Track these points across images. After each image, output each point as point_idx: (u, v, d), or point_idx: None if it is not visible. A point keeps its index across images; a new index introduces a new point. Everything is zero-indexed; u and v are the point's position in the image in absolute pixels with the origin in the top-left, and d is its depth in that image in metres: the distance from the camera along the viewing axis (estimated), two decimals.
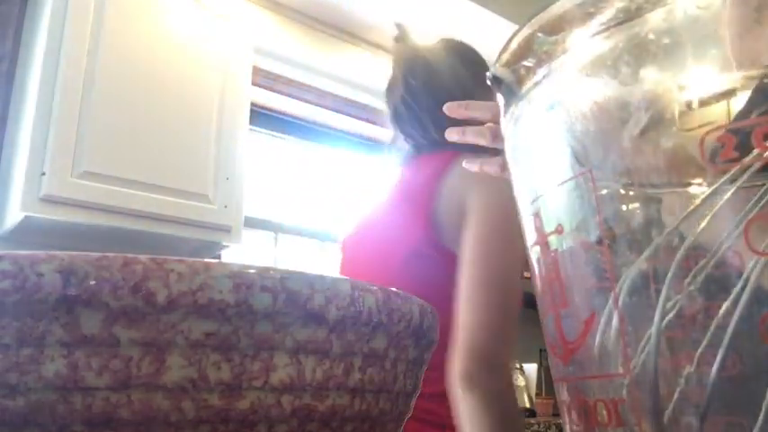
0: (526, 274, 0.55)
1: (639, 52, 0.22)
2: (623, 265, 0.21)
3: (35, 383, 0.20)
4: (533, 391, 2.50)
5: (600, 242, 0.22)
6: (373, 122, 2.73)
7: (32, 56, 1.72)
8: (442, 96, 0.82)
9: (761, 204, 0.19)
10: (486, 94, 0.47)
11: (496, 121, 0.50)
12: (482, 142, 0.59)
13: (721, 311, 0.19)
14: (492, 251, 0.87)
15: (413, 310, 0.27)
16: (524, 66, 0.26)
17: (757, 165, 0.19)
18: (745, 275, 0.19)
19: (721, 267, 0.19)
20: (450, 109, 0.62)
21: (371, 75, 2.60)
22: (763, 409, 0.18)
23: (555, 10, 0.24)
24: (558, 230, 0.24)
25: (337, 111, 2.64)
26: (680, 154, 0.21)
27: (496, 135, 0.56)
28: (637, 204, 0.22)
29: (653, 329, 0.20)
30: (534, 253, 0.26)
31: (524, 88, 0.26)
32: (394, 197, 1.04)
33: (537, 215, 0.25)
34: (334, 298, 0.24)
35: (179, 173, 1.77)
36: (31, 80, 1.68)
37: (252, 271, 0.22)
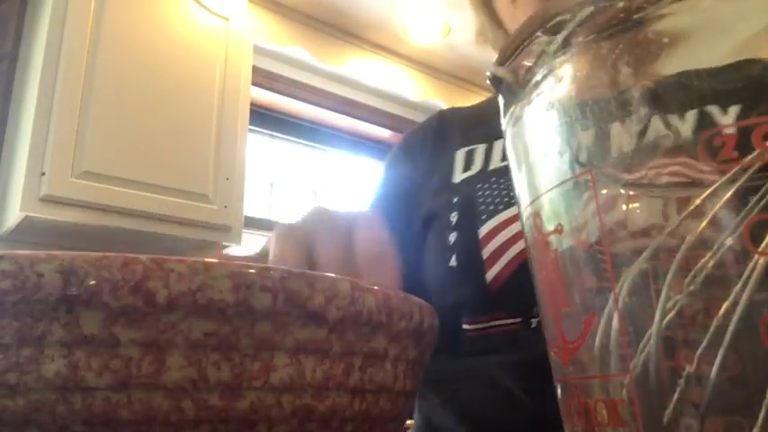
0: None
1: (639, 52, 0.22)
2: (623, 265, 0.21)
3: (35, 383, 0.20)
4: None
5: (600, 242, 0.22)
6: (373, 122, 2.74)
7: (32, 56, 1.72)
8: None
9: (761, 204, 0.19)
10: None
11: None
12: None
13: (721, 311, 0.19)
14: None
15: (413, 310, 0.27)
16: (524, 66, 0.26)
17: (757, 165, 0.19)
18: (745, 275, 0.19)
19: (721, 267, 0.19)
20: None
21: (372, 75, 2.60)
22: (763, 409, 0.18)
23: (555, 10, 0.24)
24: (558, 230, 0.24)
25: (337, 111, 2.64)
26: (680, 154, 0.21)
27: None
28: (637, 204, 0.22)
29: (653, 329, 0.20)
30: (534, 253, 0.26)
31: (524, 88, 0.26)
32: None
33: (537, 215, 0.25)
34: (334, 298, 0.24)
35: (179, 173, 1.77)
36: (31, 80, 1.68)
37: (252, 271, 0.22)
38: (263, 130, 2.53)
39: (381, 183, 0.74)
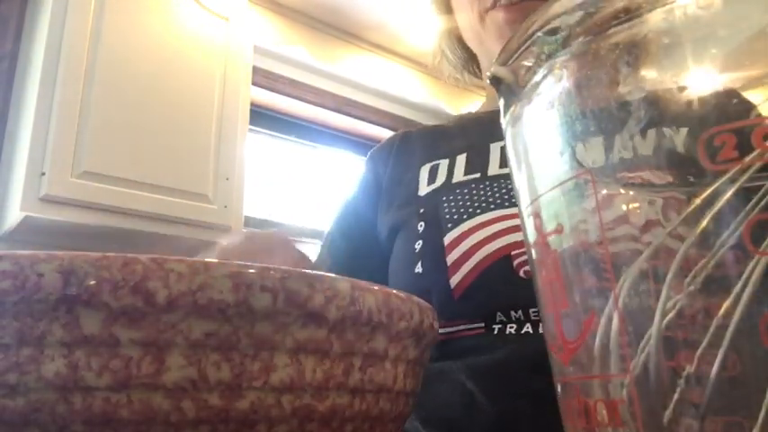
0: None
1: (639, 52, 0.22)
2: (623, 265, 0.21)
3: (35, 383, 0.20)
4: None
5: (600, 242, 0.22)
6: (373, 122, 2.74)
7: (32, 55, 1.72)
8: None
9: (761, 204, 0.19)
10: None
11: None
12: None
13: (721, 311, 0.19)
14: None
15: (413, 310, 0.27)
16: (524, 66, 0.26)
17: (757, 165, 0.19)
18: (745, 275, 0.19)
19: (721, 267, 0.19)
20: None
21: (371, 75, 2.60)
22: (763, 409, 0.18)
23: (555, 10, 0.24)
24: (558, 230, 0.24)
25: (337, 111, 2.64)
26: (680, 154, 0.21)
27: None
28: (637, 204, 0.22)
29: (653, 329, 0.20)
30: (534, 253, 0.26)
31: (524, 88, 0.26)
32: None
33: (537, 215, 0.25)
34: (334, 298, 0.24)
35: (179, 173, 1.77)
36: (31, 80, 1.68)
37: (252, 271, 0.22)
38: (263, 130, 2.53)
39: (348, 201, 0.76)
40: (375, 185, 0.73)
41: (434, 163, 0.69)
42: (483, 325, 0.56)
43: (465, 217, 0.59)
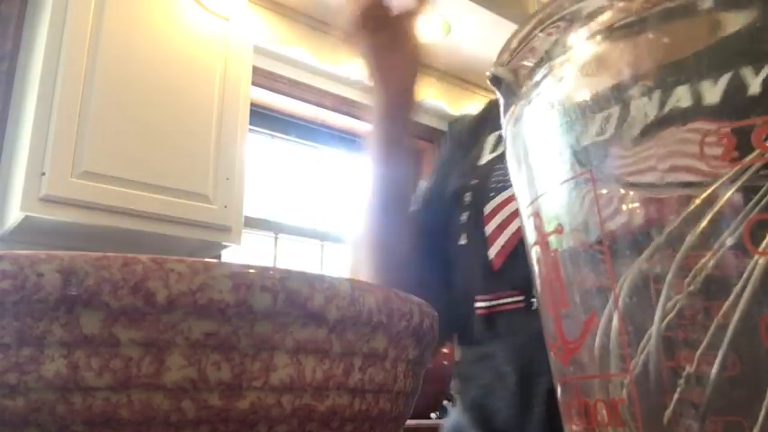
0: None
1: (640, 52, 0.22)
2: (623, 265, 0.21)
3: (35, 383, 0.20)
4: None
5: (600, 242, 0.22)
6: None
7: (32, 56, 1.72)
8: None
9: (761, 204, 0.19)
10: None
11: None
12: None
13: (721, 312, 0.19)
14: None
15: (413, 310, 0.27)
16: (524, 66, 0.26)
17: (757, 165, 0.19)
18: (745, 275, 0.19)
19: (721, 267, 0.19)
20: None
21: None
22: (763, 409, 0.18)
23: (555, 10, 0.24)
24: (558, 230, 0.24)
25: (337, 111, 2.64)
26: (680, 154, 0.21)
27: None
28: (637, 204, 0.22)
29: (653, 329, 0.20)
30: (534, 253, 0.26)
31: (524, 88, 0.26)
32: None
33: (537, 215, 0.25)
34: (334, 298, 0.24)
35: (179, 173, 1.77)
36: (32, 80, 1.68)
37: (252, 271, 0.22)
38: (263, 130, 2.53)
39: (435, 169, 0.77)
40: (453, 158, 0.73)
41: (500, 132, 0.69)
42: (523, 298, 0.55)
43: (509, 185, 0.58)
